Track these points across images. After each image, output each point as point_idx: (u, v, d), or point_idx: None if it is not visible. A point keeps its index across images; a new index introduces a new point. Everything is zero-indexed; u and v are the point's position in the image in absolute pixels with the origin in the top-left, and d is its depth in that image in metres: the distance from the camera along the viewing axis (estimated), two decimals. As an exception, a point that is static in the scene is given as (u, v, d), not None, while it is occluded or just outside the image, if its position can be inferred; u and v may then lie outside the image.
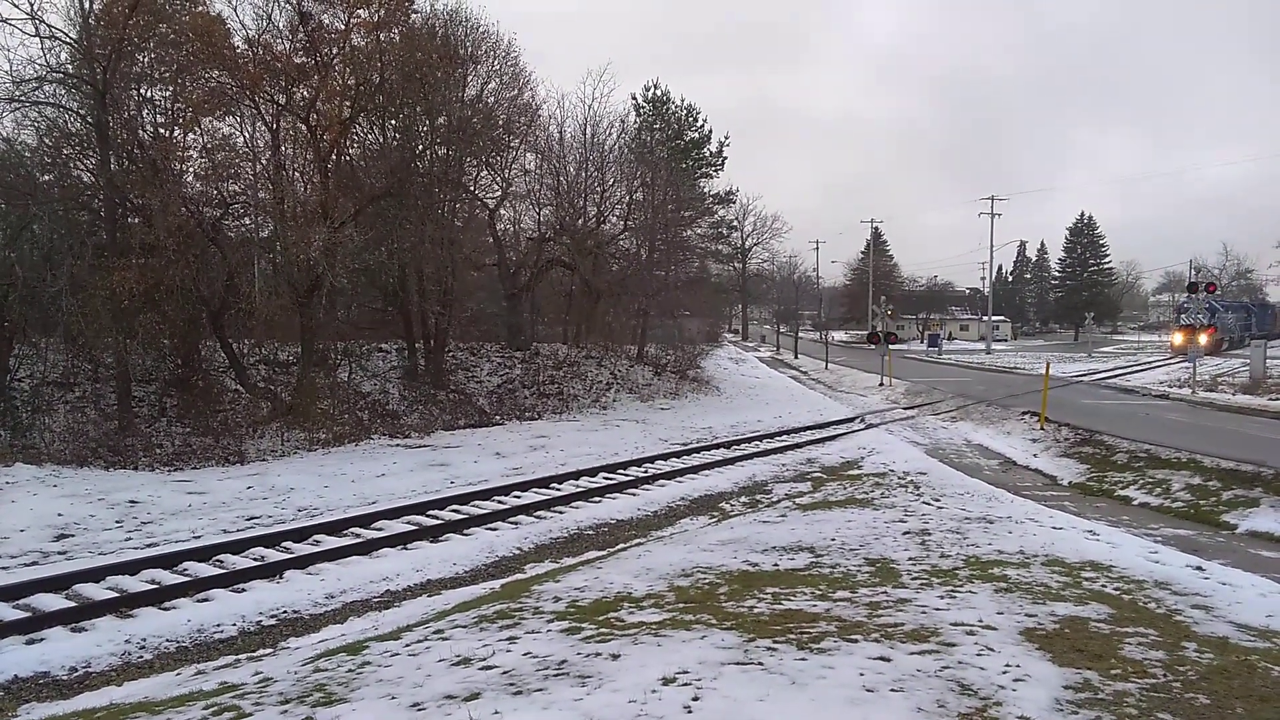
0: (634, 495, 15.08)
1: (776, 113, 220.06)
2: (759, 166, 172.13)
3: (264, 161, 22.05)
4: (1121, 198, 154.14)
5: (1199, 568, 8.89)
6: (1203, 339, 44.35)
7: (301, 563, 10.47)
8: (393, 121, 24.98)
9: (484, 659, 5.97)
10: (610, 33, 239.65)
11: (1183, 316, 51.10)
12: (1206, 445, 17.51)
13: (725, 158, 54.12)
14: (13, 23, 16.57)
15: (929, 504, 12.63)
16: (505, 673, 5.62)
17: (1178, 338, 49.25)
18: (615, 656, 5.84)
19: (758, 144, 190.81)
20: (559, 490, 15.05)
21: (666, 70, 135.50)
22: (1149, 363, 48.02)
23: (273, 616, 8.98)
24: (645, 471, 17.07)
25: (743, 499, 15.13)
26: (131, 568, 9.97)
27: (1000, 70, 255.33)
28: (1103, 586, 7.85)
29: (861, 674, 5.39)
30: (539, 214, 33.02)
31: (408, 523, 12.56)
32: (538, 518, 13.26)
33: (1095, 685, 5.29)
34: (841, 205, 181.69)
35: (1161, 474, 16.38)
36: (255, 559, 10.62)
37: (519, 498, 14.40)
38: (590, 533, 12.71)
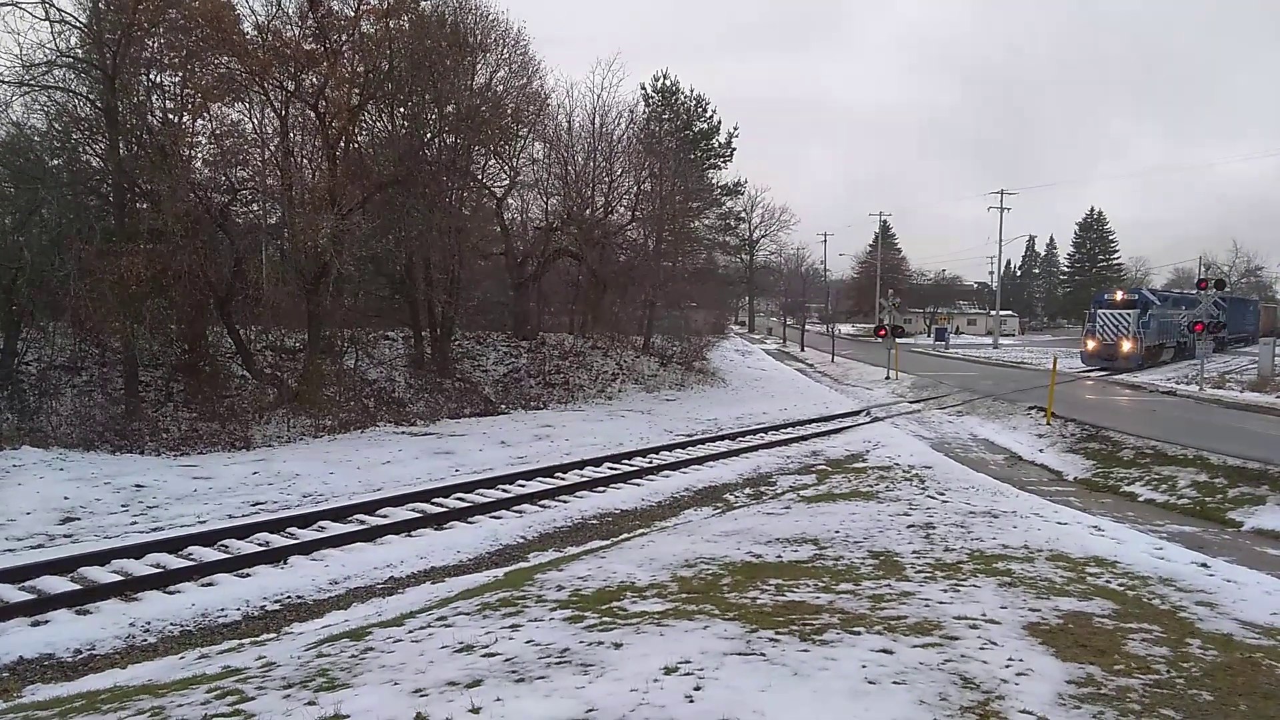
0: (638, 485, 15.08)
1: (800, 100, 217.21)
2: (779, 155, 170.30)
3: (272, 148, 22.03)
4: (1138, 192, 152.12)
5: (1204, 564, 8.87)
6: (1126, 345, 38.21)
7: (306, 548, 10.52)
8: (401, 109, 24.89)
9: (487, 646, 5.98)
10: (625, 17, 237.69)
11: (1098, 315, 40.13)
12: (1213, 442, 17.43)
13: (734, 149, 53.94)
14: (23, 6, 16.59)
15: (934, 498, 12.61)
16: (508, 660, 5.63)
17: (1090, 344, 40.67)
18: (618, 645, 5.85)
19: (779, 133, 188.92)
20: (563, 479, 15.07)
21: (687, 56, 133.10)
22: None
23: (277, 601, 9.02)
24: (650, 462, 17.08)
25: (747, 490, 15.12)
26: (137, 551, 10.03)
27: (1031, 61, 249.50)
28: (1107, 582, 7.84)
29: (864, 666, 5.39)
30: (546, 203, 33.07)
31: (412, 510, 12.59)
32: (542, 506, 13.27)
33: (1098, 680, 5.29)
34: (861, 196, 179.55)
35: (1168, 470, 16.31)
36: (260, 544, 10.67)
37: (523, 486, 14.42)
38: (594, 522, 12.72)
